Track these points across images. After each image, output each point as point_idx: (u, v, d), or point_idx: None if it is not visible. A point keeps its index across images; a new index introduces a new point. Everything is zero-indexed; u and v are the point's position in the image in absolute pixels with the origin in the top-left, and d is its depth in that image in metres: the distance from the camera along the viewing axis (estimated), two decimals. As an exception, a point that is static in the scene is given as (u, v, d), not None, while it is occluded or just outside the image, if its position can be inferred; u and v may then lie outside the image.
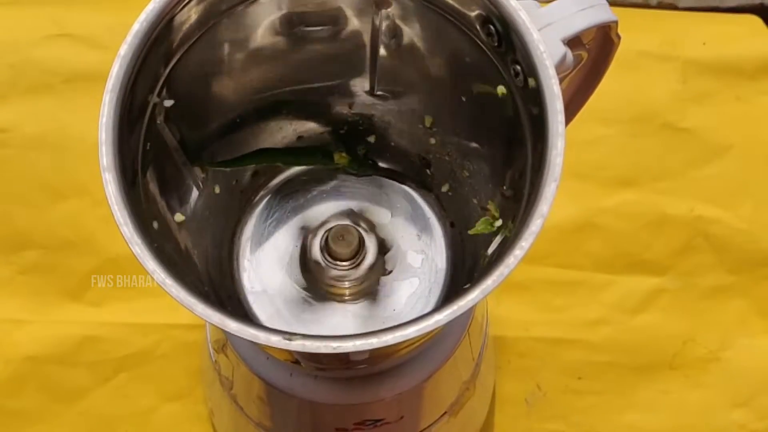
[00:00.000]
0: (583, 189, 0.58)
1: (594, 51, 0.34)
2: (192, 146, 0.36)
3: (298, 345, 0.27)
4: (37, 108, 0.59)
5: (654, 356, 0.56)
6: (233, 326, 0.27)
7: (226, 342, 0.41)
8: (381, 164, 0.42)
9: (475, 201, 0.38)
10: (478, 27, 0.32)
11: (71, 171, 0.57)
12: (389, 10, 0.34)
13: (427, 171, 0.41)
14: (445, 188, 0.41)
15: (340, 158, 0.42)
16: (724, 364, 0.55)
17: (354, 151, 0.42)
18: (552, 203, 0.28)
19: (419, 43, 0.35)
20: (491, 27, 0.31)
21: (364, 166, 0.42)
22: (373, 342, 0.27)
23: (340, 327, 0.40)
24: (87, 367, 0.54)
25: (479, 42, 0.32)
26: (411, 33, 0.35)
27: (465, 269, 0.40)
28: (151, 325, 0.55)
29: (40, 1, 0.61)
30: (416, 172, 0.42)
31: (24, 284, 0.56)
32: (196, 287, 0.28)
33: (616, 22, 0.32)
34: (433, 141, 0.40)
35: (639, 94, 0.60)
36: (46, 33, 0.60)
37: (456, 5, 0.32)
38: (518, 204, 0.31)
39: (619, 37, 0.33)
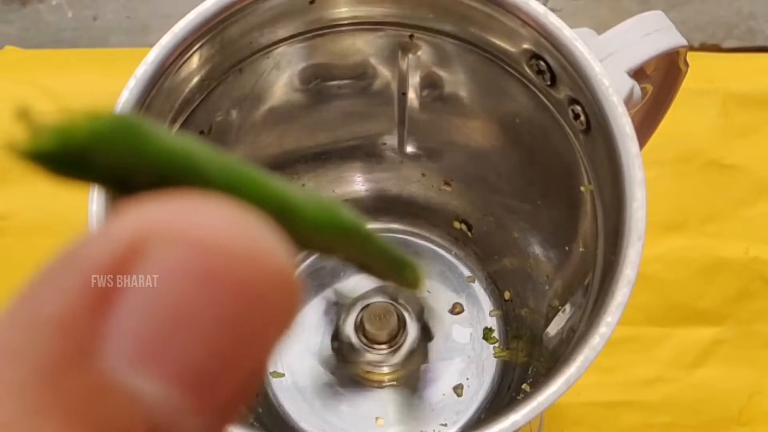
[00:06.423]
0: (628, 238, 0.55)
1: (657, 82, 0.29)
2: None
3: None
4: (38, 191, 0.55)
5: (719, 413, 0.53)
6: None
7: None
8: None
9: (528, 270, 0.34)
10: (524, 65, 0.27)
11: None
12: (418, 54, 0.29)
13: (469, 234, 0.37)
14: (492, 254, 0.37)
15: None
16: (796, 417, 0.53)
17: None
18: (638, 267, 0.23)
19: (455, 90, 0.31)
20: (542, 63, 0.26)
21: None
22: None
23: (380, 416, 0.35)
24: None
25: (527, 82, 0.28)
26: (445, 79, 0.31)
27: (521, 344, 0.35)
28: None
29: (25, 67, 0.58)
30: (454, 237, 0.37)
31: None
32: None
33: (686, 47, 0.27)
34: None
35: (678, 131, 0.57)
36: (40, 109, 0.56)
37: (497, 41, 0.27)
38: (584, 273, 0.27)
39: (687, 65, 0.29)
